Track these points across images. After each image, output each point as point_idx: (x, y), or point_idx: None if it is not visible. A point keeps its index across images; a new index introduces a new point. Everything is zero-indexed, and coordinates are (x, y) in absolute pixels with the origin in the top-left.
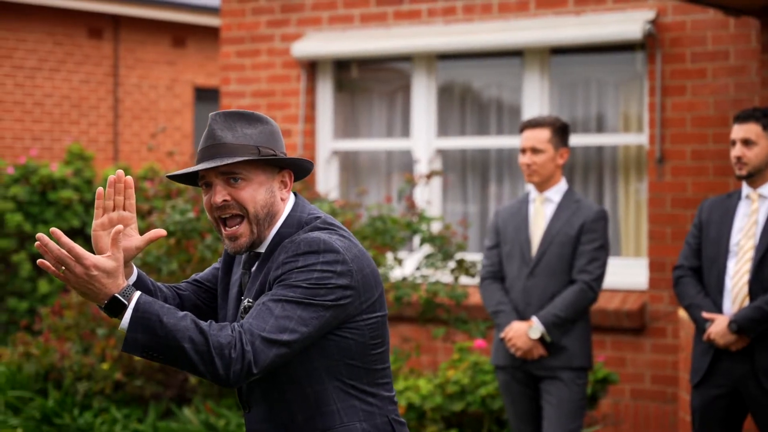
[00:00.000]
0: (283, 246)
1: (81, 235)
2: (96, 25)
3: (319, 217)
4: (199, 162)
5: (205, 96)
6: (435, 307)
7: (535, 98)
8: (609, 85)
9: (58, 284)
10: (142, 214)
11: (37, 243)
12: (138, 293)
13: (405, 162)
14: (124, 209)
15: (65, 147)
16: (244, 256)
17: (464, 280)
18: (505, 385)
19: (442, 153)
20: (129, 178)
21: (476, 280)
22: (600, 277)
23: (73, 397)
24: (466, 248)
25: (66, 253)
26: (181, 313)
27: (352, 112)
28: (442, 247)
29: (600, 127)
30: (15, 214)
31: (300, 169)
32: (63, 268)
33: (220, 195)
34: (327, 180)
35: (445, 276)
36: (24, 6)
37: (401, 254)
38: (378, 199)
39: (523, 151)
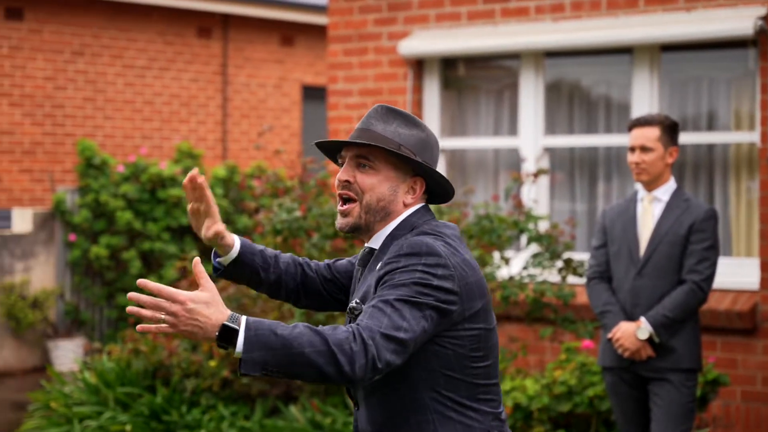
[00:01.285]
0: (390, 247)
1: (189, 232)
2: (205, 24)
3: (430, 225)
4: (349, 138)
5: (313, 94)
6: (542, 307)
7: (645, 96)
8: (720, 83)
9: (168, 281)
10: (249, 213)
11: (129, 307)
12: (245, 317)
13: (512, 160)
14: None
15: (174, 145)
16: (360, 255)
17: (572, 279)
18: (612, 387)
19: (550, 151)
20: (201, 178)
21: (584, 280)
22: (710, 278)
23: (181, 394)
24: (573, 247)
25: (158, 299)
26: (293, 324)
27: (459, 111)
28: (550, 246)
29: (711, 125)
30: (125, 211)
31: (437, 186)
32: (163, 315)
33: (346, 174)
34: None
35: (552, 275)
36: (135, 6)
37: (508, 253)
38: (485, 198)
39: (632, 149)
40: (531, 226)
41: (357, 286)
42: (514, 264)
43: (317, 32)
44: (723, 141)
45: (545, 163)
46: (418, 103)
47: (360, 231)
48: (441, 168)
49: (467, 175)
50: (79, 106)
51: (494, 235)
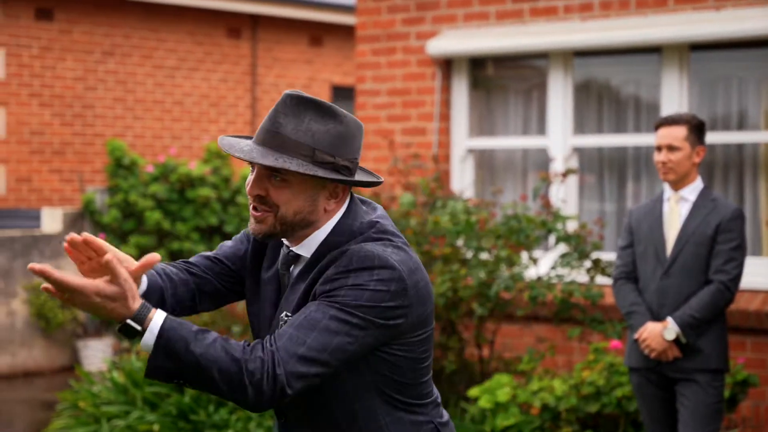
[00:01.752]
0: (332, 257)
1: (218, 232)
2: (235, 24)
3: (373, 226)
4: (255, 140)
5: (342, 94)
6: (570, 307)
7: (674, 95)
8: (749, 82)
9: None
10: None
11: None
12: (159, 316)
13: (540, 160)
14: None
15: (203, 145)
16: (281, 255)
17: (600, 279)
18: (639, 387)
19: (579, 151)
20: (82, 236)
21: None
22: (737, 278)
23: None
24: (602, 248)
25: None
26: (211, 338)
27: (488, 110)
28: (578, 246)
29: (741, 125)
30: (154, 211)
31: (373, 184)
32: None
33: (257, 188)
34: (462, 178)
35: (580, 276)
36: (165, 6)
37: (536, 253)
38: (513, 198)
39: (659, 148)
40: (559, 226)
41: (285, 292)
42: (543, 264)
43: (346, 32)
44: (753, 140)
45: (574, 163)
46: (447, 103)
47: (275, 238)
48: (468, 167)
49: (495, 175)
50: (109, 107)
51: (522, 235)
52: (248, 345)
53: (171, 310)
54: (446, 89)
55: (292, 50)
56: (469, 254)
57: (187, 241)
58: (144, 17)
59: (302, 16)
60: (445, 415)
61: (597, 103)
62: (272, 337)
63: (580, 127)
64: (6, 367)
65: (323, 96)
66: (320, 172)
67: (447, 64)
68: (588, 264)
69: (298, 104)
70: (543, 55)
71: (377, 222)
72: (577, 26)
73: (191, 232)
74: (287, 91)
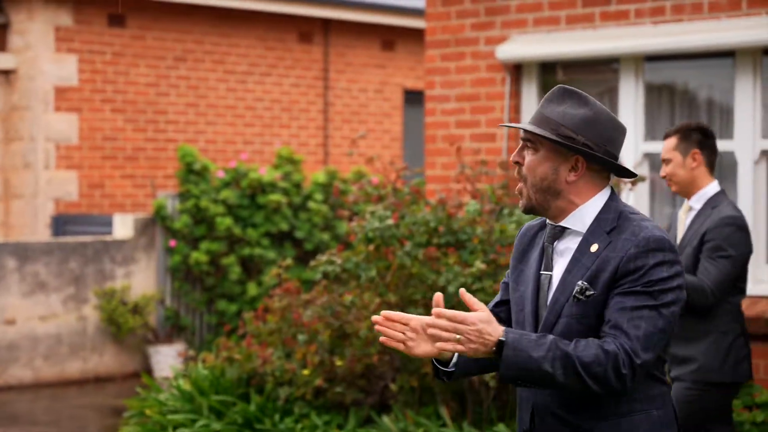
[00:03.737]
0: (620, 230)
1: (289, 238)
2: (306, 29)
3: (626, 206)
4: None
5: (415, 99)
6: None
7: (748, 100)
8: None
9: (266, 287)
10: (344, 220)
11: (433, 324)
12: (509, 334)
13: None
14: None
15: (275, 150)
16: (547, 232)
17: None
18: None
19: (650, 157)
20: (387, 315)
21: None
22: (719, 282)
23: (275, 402)
24: None
25: (458, 324)
26: (548, 342)
27: None
28: None
29: None
30: (225, 217)
31: (603, 161)
32: (458, 336)
33: (517, 155)
34: None
35: None
36: (236, 12)
37: None
38: None
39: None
40: None
41: (552, 261)
42: None
43: (418, 36)
44: None
45: (644, 169)
46: (516, 109)
47: (536, 211)
48: None
49: None
50: (181, 112)
51: None
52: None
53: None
54: (515, 95)
55: (364, 54)
56: None
57: (257, 247)
58: (215, 23)
59: (374, 20)
60: None
61: (669, 109)
62: (617, 341)
63: (651, 132)
64: (77, 373)
65: (395, 101)
66: (554, 137)
67: (516, 70)
68: None
69: (563, 93)
70: (614, 60)
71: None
72: (648, 30)
73: (262, 237)
74: (558, 85)
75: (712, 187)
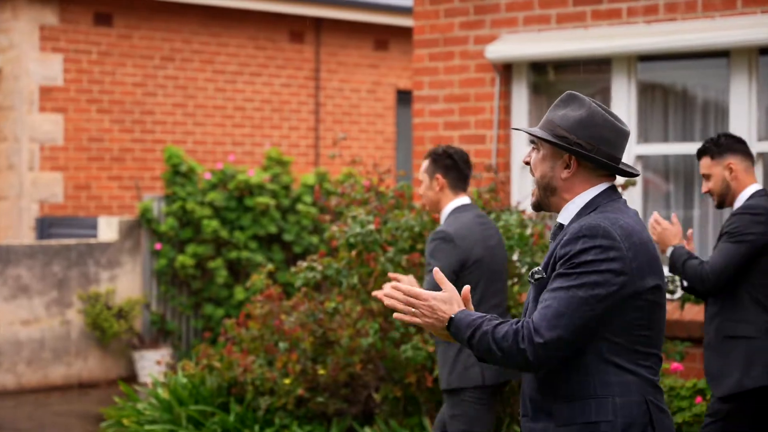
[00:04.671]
0: (571, 226)
1: (277, 241)
2: (298, 28)
3: (612, 206)
4: None
5: (408, 99)
6: None
7: (743, 101)
8: None
9: (253, 292)
10: (325, 224)
11: (382, 296)
12: (462, 313)
13: None
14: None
15: (264, 152)
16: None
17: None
18: None
19: (643, 159)
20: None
21: (675, 296)
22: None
23: (255, 412)
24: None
25: (410, 298)
26: (478, 322)
27: None
28: None
29: None
30: (212, 220)
31: (596, 160)
32: (412, 309)
33: (526, 156)
34: (522, 188)
35: None
36: (227, 10)
37: None
38: None
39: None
40: None
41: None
42: None
43: (411, 36)
44: None
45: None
46: (506, 109)
47: (541, 208)
48: (528, 177)
49: None
50: (169, 113)
51: None
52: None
53: None
54: (506, 95)
55: (357, 54)
56: (524, 269)
57: (245, 250)
58: (204, 21)
59: (367, 19)
60: (666, 407)
61: (662, 110)
62: (525, 320)
63: (644, 134)
64: (61, 378)
65: (388, 101)
66: (549, 137)
67: (506, 70)
68: None
69: (568, 98)
70: (606, 60)
71: (618, 206)
72: (641, 29)
73: (249, 240)
74: (567, 91)
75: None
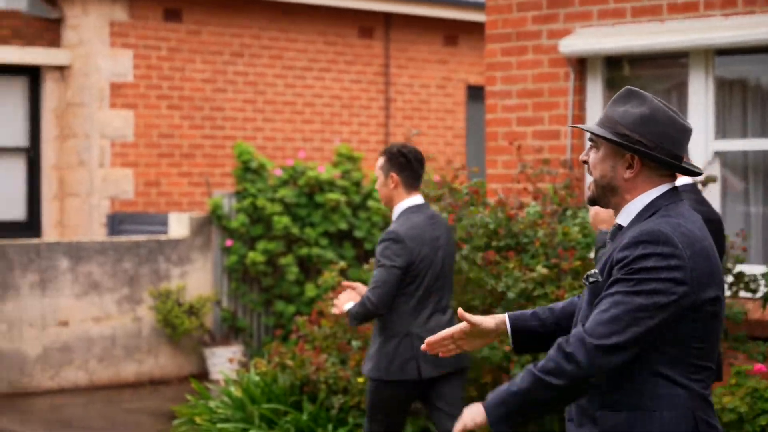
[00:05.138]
0: (630, 229)
1: (348, 238)
2: (367, 24)
3: (674, 210)
4: None
5: (478, 95)
6: None
7: None
8: None
9: (324, 289)
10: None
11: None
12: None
13: None
14: None
15: (334, 148)
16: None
17: (743, 294)
18: None
19: (721, 155)
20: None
21: (758, 295)
22: None
23: (328, 411)
24: (745, 260)
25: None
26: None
27: None
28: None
29: None
30: (282, 216)
31: (659, 159)
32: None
33: (583, 155)
34: None
35: None
36: (295, 6)
37: None
38: None
39: None
40: None
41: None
42: None
43: (481, 31)
44: None
45: (716, 169)
46: (581, 105)
47: (598, 203)
48: None
49: None
50: (239, 109)
51: None
52: None
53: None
54: (580, 90)
55: (426, 50)
56: None
57: (315, 247)
58: (274, 17)
59: (437, 14)
60: (717, 423)
61: (741, 105)
62: (577, 331)
63: (722, 130)
64: (132, 375)
65: (458, 97)
66: (610, 136)
67: (581, 64)
68: (730, 279)
69: (628, 94)
70: (682, 54)
71: (680, 209)
72: (718, 23)
73: (320, 237)
74: (626, 87)
75: None
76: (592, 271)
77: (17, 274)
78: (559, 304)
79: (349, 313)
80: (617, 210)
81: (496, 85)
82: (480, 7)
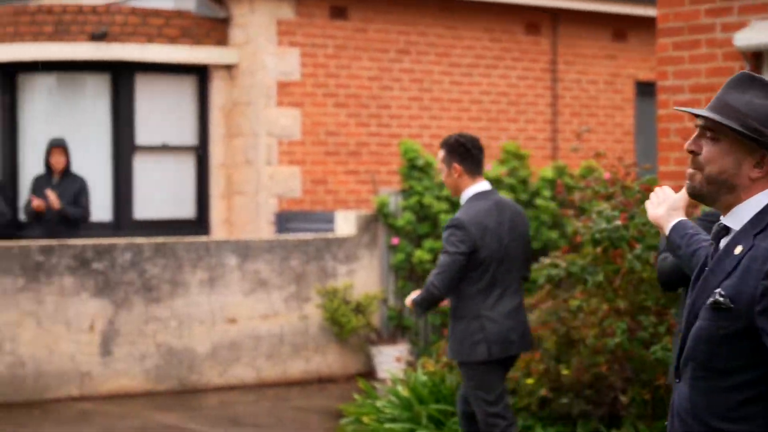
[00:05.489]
0: (756, 235)
1: None
2: (533, 20)
3: None
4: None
5: (647, 91)
6: None
7: None
8: None
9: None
10: (569, 219)
11: None
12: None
13: None
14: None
15: (500, 145)
16: (714, 229)
17: None
18: None
19: None
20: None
21: None
22: None
23: None
24: None
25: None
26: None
27: None
28: None
29: None
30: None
31: None
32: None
33: (693, 144)
34: None
35: None
36: (461, 2)
37: None
38: None
39: None
40: None
41: (711, 266)
42: None
43: (650, 26)
44: None
45: None
46: None
47: (703, 200)
48: None
49: None
50: (405, 106)
51: None
52: None
53: None
54: None
55: (594, 45)
56: None
57: None
58: (439, 14)
59: (604, 9)
60: None
61: None
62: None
63: None
64: (299, 373)
65: (627, 93)
66: (743, 130)
67: (756, 58)
68: None
69: (746, 81)
70: None
71: None
72: None
73: None
74: (741, 71)
75: None
76: (720, 295)
77: (187, 271)
78: (694, 242)
79: (414, 302)
80: (726, 209)
81: (667, 80)
82: (649, 2)
